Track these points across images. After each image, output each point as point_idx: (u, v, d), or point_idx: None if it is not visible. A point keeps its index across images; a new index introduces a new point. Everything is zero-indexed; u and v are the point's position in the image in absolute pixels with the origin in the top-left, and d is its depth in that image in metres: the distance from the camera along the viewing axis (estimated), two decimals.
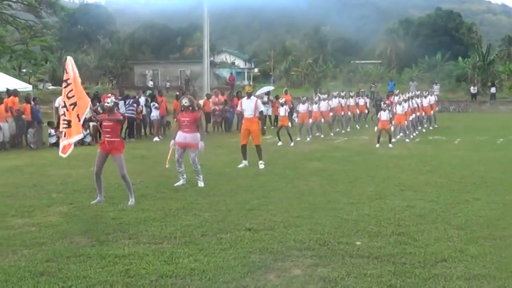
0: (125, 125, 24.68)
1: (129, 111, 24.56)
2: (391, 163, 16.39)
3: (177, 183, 12.73)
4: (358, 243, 7.91)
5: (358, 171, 14.78)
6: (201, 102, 26.64)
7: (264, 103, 30.43)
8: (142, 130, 26.46)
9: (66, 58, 11.32)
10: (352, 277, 6.54)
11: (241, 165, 15.58)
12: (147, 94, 26.60)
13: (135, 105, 25.02)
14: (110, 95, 11.35)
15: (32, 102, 22.92)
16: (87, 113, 10.71)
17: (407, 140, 23.08)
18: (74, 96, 10.60)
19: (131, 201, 10.78)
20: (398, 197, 11.24)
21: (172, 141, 12.90)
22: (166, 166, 12.91)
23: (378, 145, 20.83)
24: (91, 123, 16.46)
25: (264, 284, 6.35)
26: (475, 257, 7.30)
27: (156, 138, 24.53)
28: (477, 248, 7.66)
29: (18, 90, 23.66)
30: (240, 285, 6.32)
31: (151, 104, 25.30)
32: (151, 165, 16.35)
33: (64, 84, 10.82)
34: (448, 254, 7.35)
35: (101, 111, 11.03)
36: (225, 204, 10.65)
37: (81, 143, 20.65)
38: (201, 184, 12.58)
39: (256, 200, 11.00)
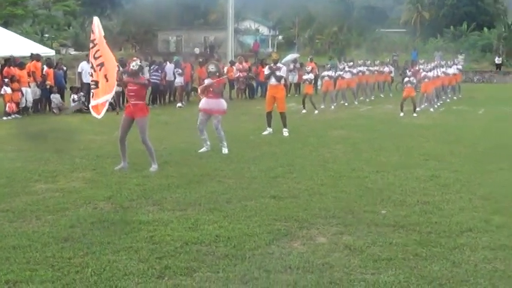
0: (149, 91, 24.72)
1: (154, 77, 24.52)
2: (416, 132, 16.26)
3: (201, 150, 12.70)
4: (383, 212, 7.87)
5: (382, 140, 14.70)
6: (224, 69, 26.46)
7: (290, 70, 30.38)
8: (167, 96, 26.40)
9: (92, 20, 11.30)
10: (377, 246, 6.51)
11: (265, 133, 15.54)
12: (174, 60, 26.40)
13: (160, 71, 24.96)
14: (135, 58, 11.29)
15: (55, 68, 22.93)
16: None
17: (431, 110, 22.84)
18: (100, 56, 10.59)
19: (153, 167, 10.77)
20: (423, 167, 11.15)
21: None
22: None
23: (402, 114, 20.65)
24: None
25: (289, 252, 6.33)
26: (500, 227, 7.23)
27: (180, 104, 24.47)
28: (502, 218, 7.59)
29: (41, 55, 23.64)
30: (266, 252, 6.31)
31: (175, 70, 25.18)
32: (175, 131, 16.39)
33: (91, 45, 10.85)
34: (473, 224, 7.29)
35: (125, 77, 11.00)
36: (249, 171, 10.64)
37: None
38: (225, 150, 12.53)
39: (281, 167, 10.97)
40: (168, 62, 26.12)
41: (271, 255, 6.24)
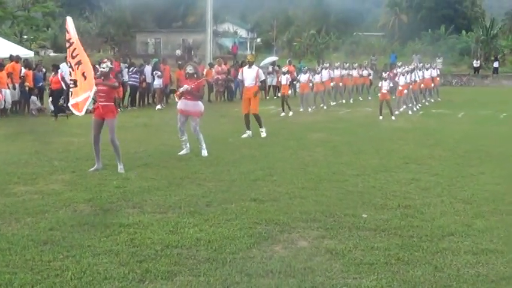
0: (127, 93, 24.62)
1: (132, 79, 24.43)
2: (395, 136, 16.29)
3: (181, 152, 12.63)
4: (364, 215, 7.84)
5: (362, 143, 14.71)
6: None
7: (269, 73, 30.45)
8: (146, 99, 26.27)
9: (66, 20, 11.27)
10: (359, 250, 6.48)
11: (244, 135, 15.49)
12: (153, 63, 26.27)
13: (138, 73, 24.84)
14: (105, 60, 11.29)
15: (35, 70, 22.72)
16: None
17: (409, 113, 22.95)
18: (78, 54, 10.58)
19: (120, 168, 10.80)
20: (403, 170, 11.17)
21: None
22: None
23: (381, 117, 20.71)
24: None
25: (271, 256, 6.28)
26: (482, 231, 7.23)
27: (159, 107, 24.37)
28: (484, 222, 7.59)
29: (20, 56, 23.40)
30: (247, 256, 6.26)
31: (154, 72, 25.07)
32: (154, 133, 16.30)
33: (67, 44, 10.83)
34: (455, 228, 7.28)
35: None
36: (229, 174, 10.58)
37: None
38: (204, 153, 12.48)
39: (261, 170, 10.92)
40: (146, 64, 25.98)
41: (253, 259, 6.18)
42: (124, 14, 74.19)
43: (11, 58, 22.18)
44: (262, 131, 15.49)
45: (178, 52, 57.23)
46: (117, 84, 11.37)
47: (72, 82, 10.74)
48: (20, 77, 21.63)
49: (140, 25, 74.77)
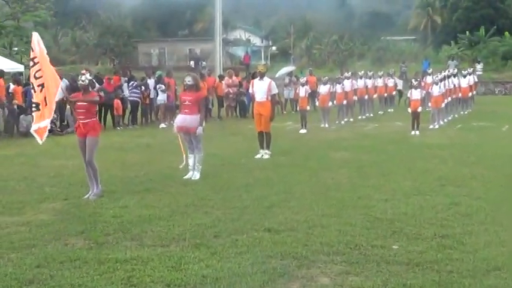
0: (128, 110, 24.69)
1: (134, 95, 24.51)
2: (430, 153, 16.18)
3: (186, 176, 12.61)
4: (394, 247, 7.72)
5: (391, 163, 14.62)
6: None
7: (285, 85, 30.45)
8: (149, 116, 26.35)
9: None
10: None
11: (258, 156, 15.45)
12: (156, 76, 26.34)
13: (140, 87, 24.93)
14: (84, 71, 11.28)
15: (25, 85, 22.75)
16: (58, 95, 10.71)
17: (441, 123, 22.94)
18: (41, 76, 10.58)
19: (93, 193, 10.82)
20: (440, 193, 11.03)
21: (174, 124, 12.85)
22: (180, 167, 12.73)
23: (413, 132, 20.58)
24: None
25: None
26: None
27: (163, 125, 24.39)
28: None
29: (5, 70, 23.40)
30: None
31: (158, 86, 25.13)
32: (157, 155, 16.32)
33: (31, 64, 10.88)
34: (502, 262, 7.11)
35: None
36: (240, 200, 10.52)
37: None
38: (196, 176, 12.53)
39: (276, 195, 10.85)
40: (149, 78, 26.07)
41: None
42: (124, 22, 74.79)
43: None
44: (266, 153, 15.45)
45: (192, 63, 57.47)
46: (97, 98, 11.36)
47: (34, 105, 10.70)
48: (8, 94, 21.66)
49: (142, 34, 75.35)
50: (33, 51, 10.86)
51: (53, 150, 17.34)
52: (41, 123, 10.64)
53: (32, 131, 10.97)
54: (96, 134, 10.96)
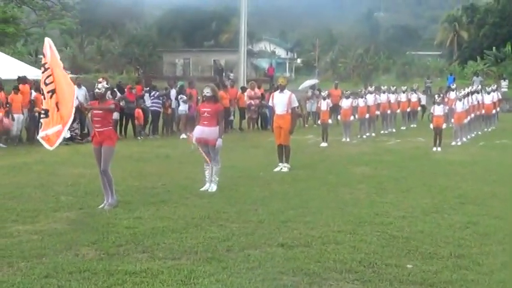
0: (149, 120, 24.73)
1: (155, 105, 24.55)
2: (451, 170, 15.98)
3: (203, 188, 12.54)
4: (409, 266, 7.59)
5: (411, 179, 14.45)
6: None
7: (308, 98, 30.40)
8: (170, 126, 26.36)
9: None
10: None
11: (277, 169, 15.36)
12: (178, 86, 26.34)
13: (162, 98, 24.98)
14: (101, 79, 11.26)
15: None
16: (74, 102, 10.62)
17: (463, 139, 22.83)
18: (52, 82, 10.45)
19: (107, 203, 10.78)
20: (459, 211, 10.86)
21: (192, 136, 12.78)
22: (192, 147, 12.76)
23: (435, 148, 20.40)
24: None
25: None
26: None
27: (184, 136, 24.33)
28: None
29: (30, 78, 23.52)
30: None
31: (179, 96, 25.13)
32: (176, 166, 16.26)
33: (42, 69, 10.74)
34: None
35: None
36: (255, 214, 10.42)
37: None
38: (213, 188, 12.45)
39: (292, 210, 10.75)
40: (171, 88, 26.08)
41: None
42: (150, 32, 75.24)
43: (18, 80, 22.35)
44: (285, 166, 15.37)
45: (231, 75, 57.52)
46: (113, 106, 11.36)
47: (43, 112, 10.60)
48: (30, 101, 21.78)
49: (168, 44, 75.69)
50: (44, 57, 10.79)
51: (73, 158, 17.40)
52: (48, 130, 10.50)
53: (39, 137, 10.92)
54: (112, 143, 10.94)
